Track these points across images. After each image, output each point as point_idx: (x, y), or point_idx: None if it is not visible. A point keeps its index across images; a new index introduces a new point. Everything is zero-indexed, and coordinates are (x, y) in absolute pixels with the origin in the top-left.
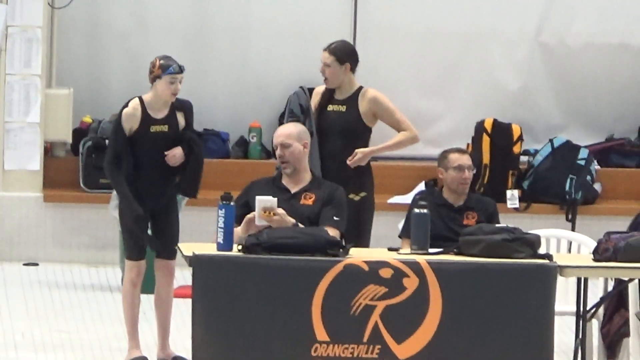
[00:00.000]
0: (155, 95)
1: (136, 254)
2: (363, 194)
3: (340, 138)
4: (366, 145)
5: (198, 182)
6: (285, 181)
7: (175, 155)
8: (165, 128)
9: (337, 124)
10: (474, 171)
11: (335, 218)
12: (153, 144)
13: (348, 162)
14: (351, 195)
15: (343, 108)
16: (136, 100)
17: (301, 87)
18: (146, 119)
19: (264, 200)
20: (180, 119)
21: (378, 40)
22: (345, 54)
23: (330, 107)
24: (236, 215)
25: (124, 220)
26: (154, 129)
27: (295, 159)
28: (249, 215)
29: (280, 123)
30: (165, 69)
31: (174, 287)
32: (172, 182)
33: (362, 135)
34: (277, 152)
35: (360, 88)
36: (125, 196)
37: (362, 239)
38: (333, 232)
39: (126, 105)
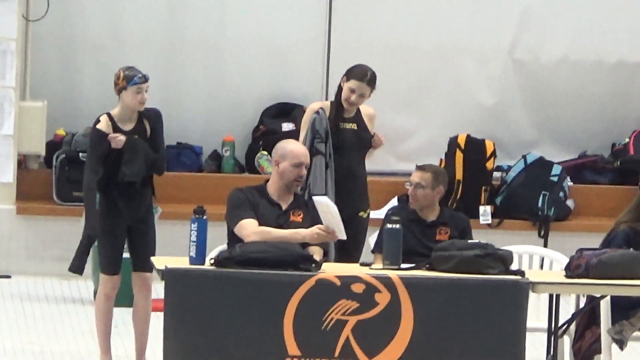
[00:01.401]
0: (123, 107)
1: (111, 269)
2: (369, 210)
3: (356, 155)
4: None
5: (132, 167)
6: (274, 196)
7: (118, 138)
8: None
9: (353, 141)
10: (435, 193)
11: None
12: (123, 155)
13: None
14: (361, 213)
15: (355, 126)
16: (105, 117)
17: (322, 109)
18: (116, 131)
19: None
20: (148, 126)
21: (352, 55)
22: (374, 82)
23: (342, 125)
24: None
25: (100, 233)
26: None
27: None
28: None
29: (254, 139)
30: (129, 79)
31: (151, 301)
32: (148, 194)
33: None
34: (297, 171)
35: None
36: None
37: (359, 254)
38: (318, 252)
39: (97, 122)
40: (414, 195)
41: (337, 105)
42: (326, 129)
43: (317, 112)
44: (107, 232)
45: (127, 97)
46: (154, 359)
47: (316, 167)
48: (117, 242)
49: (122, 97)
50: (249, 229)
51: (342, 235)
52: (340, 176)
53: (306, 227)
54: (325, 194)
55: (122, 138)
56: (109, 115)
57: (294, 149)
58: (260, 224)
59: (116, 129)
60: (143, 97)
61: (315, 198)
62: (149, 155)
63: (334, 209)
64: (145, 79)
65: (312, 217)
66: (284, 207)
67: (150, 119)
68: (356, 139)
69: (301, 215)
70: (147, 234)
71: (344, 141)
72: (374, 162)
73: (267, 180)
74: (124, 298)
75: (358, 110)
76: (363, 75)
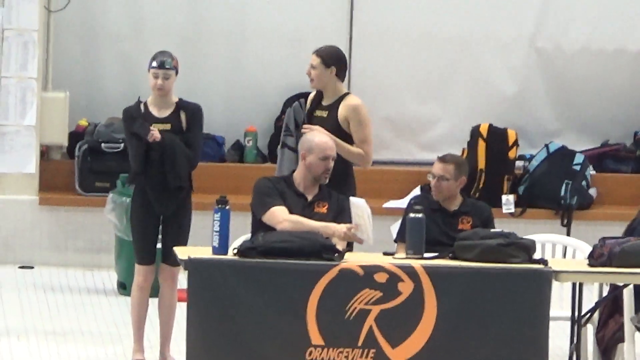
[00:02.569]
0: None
1: (144, 260)
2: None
3: None
4: None
5: (177, 171)
6: (300, 187)
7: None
8: (167, 126)
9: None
10: (457, 183)
11: None
12: (156, 143)
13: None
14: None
15: (325, 114)
16: (138, 100)
17: (299, 102)
18: (149, 117)
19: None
20: (184, 119)
21: (374, 45)
22: (332, 58)
23: (316, 113)
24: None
25: (134, 225)
26: (155, 127)
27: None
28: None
29: (277, 128)
30: (150, 62)
31: (176, 292)
32: (181, 187)
33: (343, 139)
34: (325, 164)
35: (346, 94)
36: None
37: None
38: (341, 243)
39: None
40: (438, 187)
41: (318, 92)
42: (300, 121)
43: (292, 107)
44: (140, 223)
45: (149, 79)
46: (177, 349)
47: (283, 161)
48: (149, 232)
49: None
50: (282, 215)
51: (370, 240)
52: None
53: (330, 219)
54: None
55: (157, 134)
56: (144, 102)
57: (319, 142)
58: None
59: (147, 113)
60: (157, 83)
61: (352, 199)
62: (186, 153)
63: (367, 212)
64: (161, 64)
65: (336, 210)
66: (310, 198)
67: (188, 112)
68: (322, 127)
69: (326, 207)
70: (180, 228)
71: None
72: (396, 151)
73: (294, 171)
74: (156, 289)
75: (339, 99)
76: (318, 48)
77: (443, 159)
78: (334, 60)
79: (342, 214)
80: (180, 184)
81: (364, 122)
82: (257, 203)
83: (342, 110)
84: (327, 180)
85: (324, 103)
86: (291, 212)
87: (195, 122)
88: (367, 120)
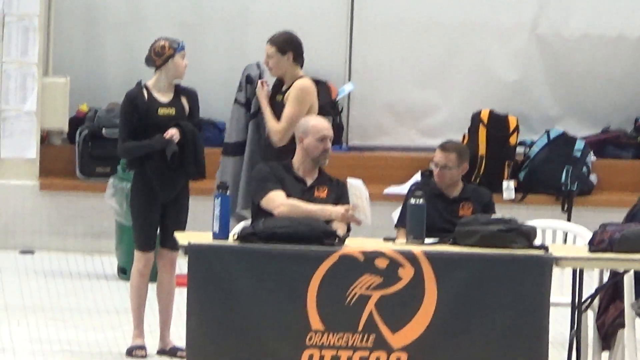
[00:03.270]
0: (167, 76)
1: (145, 246)
2: None
3: None
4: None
5: (201, 162)
6: (299, 172)
7: (173, 133)
8: (172, 111)
9: (277, 114)
10: (460, 170)
11: None
12: (161, 128)
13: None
14: None
15: (281, 98)
16: (140, 84)
17: (257, 63)
18: (153, 102)
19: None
20: (185, 103)
21: (374, 31)
22: (286, 44)
23: (277, 98)
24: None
25: (135, 211)
26: (161, 111)
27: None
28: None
29: None
30: (177, 46)
31: (175, 278)
32: (183, 172)
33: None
34: (322, 145)
35: (300, 77)
36: (146, 146)
37: None
38: (342, 228)
39: (130, 90)
40: (441, 176)
41: (279, 78)
42: (252, 77)
43: (253, 63)
44: (141, 209)
45: (174, 64)
46: (177, 334)
47: (232, 117)
48: (150, 219)
49: (166, 67)
50: (278, 200)
51: (368, 221)
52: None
53: (330, 203)
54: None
55: (176, 131)
56: (144, 85)
57: (316, 123)
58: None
59: (151, 98)
60: (186, 64)
61: (349, 180)
62: (201, 141)
63: (365, 193)
64: (184, 46)
65: (336, 194)
66: (309, 182)
67: (190, 97)
68: (279, 113)
69: (325, 191)
70: (180, 213)
71: (275, 114)
72: (397, 137)
73: (293, 157)
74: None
75: (294, 82)
76: (271, 37)
77: (445, 148)
78: (290, 46)
79: (342, 198)
80: (203, 175)
81: (295, 101)
82: (256, 188)
83: (292, 90)
84: (326, 162)
85: (284, 88)
86: (290, 197)
87: (197, 107)
88: (300, 102)
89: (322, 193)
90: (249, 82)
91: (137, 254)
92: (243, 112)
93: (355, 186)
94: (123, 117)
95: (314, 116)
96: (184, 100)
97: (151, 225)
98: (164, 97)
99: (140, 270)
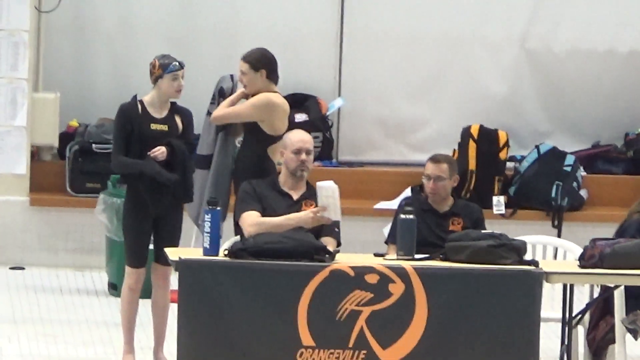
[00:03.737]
0: (159, 94)
1: (136, 262)
2: None
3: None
4: (263, 149)
5: (189, 185)
6: (285, 187)
7: (159, 151)
8: (165, 128)
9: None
10: (452, 182)
11: (336, 230)
12: (153, 143)
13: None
14: None
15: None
16: (135, 98)
17: (231, 75)
18: (146, 116)
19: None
20: (179, 122)
21: (364, 45)
22: (260, 61)
23: None
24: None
25: (127, 226)
26: (154, 126)
27: (310, 166)
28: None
29: None
30: (165, 67)
31: (169, 293)
32: (175, 189)
33: (260, 138)
34: (297, 157)
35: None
36: (139, 166)
37: None
38: (332, 244)
39: (125, 103)
40: (435, 188)
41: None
42: (224, 89)
43: (226, 75)
44: (133, 225)
45: (164, 85)
46: (168, 349)
47: (204, 129)
48: (142, 235)
49: (158, 86)
50: (249, 220)
51: (337, 217)
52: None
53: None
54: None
55: (163, 150)
56: (140, 99)
57: (292, 137)
58: (269, 215)
59: (145, 112)
60: (180, 84)
61: (318, 183)
62: (190, 163)
63: (335, 192)
64: (181, 66)
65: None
66: (296, 197)
67: (184, 116)
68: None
69: (313, 205)
70: (173, 227)
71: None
72: (387, 152)
73: (279, 172)
74: (148, 290)
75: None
76: (244, 54)
77: (436, 160)
78: (263, 63)
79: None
80: (191, 198)
81: (251, 104)
82: (236, 209)
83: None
84: (304, 175)
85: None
86: (274, 213)
87: (192, 127)
88: (255, 107)
89: (310, 207)
90: (221, 94)
91: (127, 270)
92: (214, 124)
93: (326, 187)
94: (116, 129)
95: (294, 130)
96: (177, 119)
97: (142, 241)
98: (157, 113)
99: (131, 286)
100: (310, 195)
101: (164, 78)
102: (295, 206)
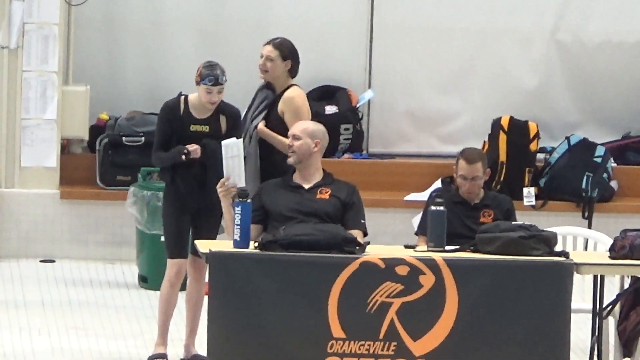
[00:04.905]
0: (199, 97)
1: (175, 253)
2: None
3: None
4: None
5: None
6: (297, 179)
7: (193, 148)
8: (206, 129)
9: (274, 122)
10: (484, 176)
11: (362, 221)
12: (192, 143)
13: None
14: None
15: (270, 106)
16: (181, 97)
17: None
18: (187, 117)
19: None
20: (223, 123)
21: (394, 38)
22: (290, 51)
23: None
24: (253, 218)
25: (166, 218)
26: (194, 128)
27: (302, 152)
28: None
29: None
30: (203, 77)
31: (203, 285)
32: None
33: (283, 134)
34: (290, 142)
35: (290, 86)
36: (169, 157)
37: None
38: (360, 236)
39: (170, 100)
40: (472, 188)
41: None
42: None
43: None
44: (172, 216)
45: (199, 92)
46: (199, 341)
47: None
48: (181, 226)
49: (198, 88)
50: None
51: (242, 182)
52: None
53: (333, 204)
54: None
55: (196, 147)
56: (185, 97)
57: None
58: (279, 211)
59: (186, 113)
60: (212, 98)
61: (224, 142)
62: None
63: (242, 150)
64: (216, 81)
65: (343, 195)
66: (307, 186)
67: (230, 116)
68: (274, 121)
69: (328, 192)
70: (211, 222)
71: (270, 122)
72: (417, 144)
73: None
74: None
75: (284, 91)
76: (271, 39)
77: (469, 160)
78: (292, 55)
79: (350, 205)
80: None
81: (298, 114)
82: None
83: (280, 104)
84: (293, 160)
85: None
86: (282, 208)
87: (236, 128)
88: (302, 112)
89: (325, 194)
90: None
91: (168, 262)
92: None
93: (231, 145)
94: (158, 126)
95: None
96: (222, 119)
97: (181, 232)
98: (200, 114)
99: (171, 279)
100: (327, 183)
101: (200, 86)
102: (309, 194)
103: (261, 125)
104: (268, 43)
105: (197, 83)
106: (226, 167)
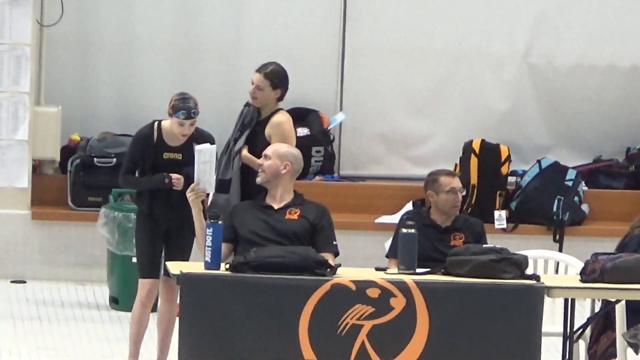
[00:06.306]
0: (171, 127)
1: (146, 273)
2: None
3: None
4: None
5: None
6: (268, 200)
7: (177, 179)
8: (179, 156)
9: (255, 142)
10: (464, 193)
11: (334, 242)
12: (165, 171)
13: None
14: None
15: (257, 129)
16: (154, 125)
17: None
18: (160, 145)
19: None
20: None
21: (366, 60)
22: (280, 80)
23: (256, 128)
24: (224, 238)
25: (138, 238)
26: (167, 155)
27: (270, 172)
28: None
29: None
30: (175, 110)
31: (176, 306)
32: (187, 205)
33: None
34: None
35: (277, 110)
36: (143, 183)
37: None
38: (331, 257)
39: (144, 127)
40: (459, 200)
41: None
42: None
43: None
44: (144, 236)
45: (172, 123)
46: None
47: (222, 153)
48: (153, 246)
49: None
50: None
51: (212, 188)
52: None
53: (302, 225)
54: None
55: (180, 179)
56: (159, 124)
57: None
58: (247, 231)
59: (159, 141)
60: (184, 131)
61: (197, 147)
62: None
63: (214, 157)
64: (188, 115)
65: (312, 216)
66: (277, 206)
67: (201, 143)
68: (255, 141)
69: (298, 213)
70: (183, 242)
71: (253, 142)
72: (389, 167)
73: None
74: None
75: (271, 115)
76: (262, 67)
77: (451, 173)
78: (282, 84)
79: (320, 226)
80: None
81: (285, 139)
82: None
83: (267, 128)
84: (261, 179)
85: (260, 119)
86: (252, 229)
87: None
88: (290, 137)
89: (294, 215)
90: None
91: (140, 282)
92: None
93: (204, 151)
94: (129, 151)
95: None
96: (194, 146)
97: (154, 253)
98: (173, 141)
99: (142, 300)
100: (295, 203)
101: (172, 118)
102: (278, 214)
103: (244, 152)
104: (259, 70)
105: (170, 115)
106: (197, 172)
